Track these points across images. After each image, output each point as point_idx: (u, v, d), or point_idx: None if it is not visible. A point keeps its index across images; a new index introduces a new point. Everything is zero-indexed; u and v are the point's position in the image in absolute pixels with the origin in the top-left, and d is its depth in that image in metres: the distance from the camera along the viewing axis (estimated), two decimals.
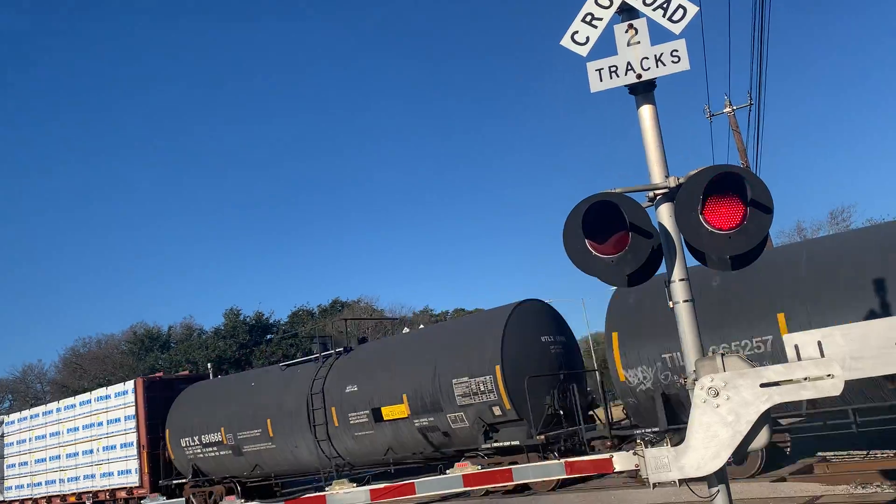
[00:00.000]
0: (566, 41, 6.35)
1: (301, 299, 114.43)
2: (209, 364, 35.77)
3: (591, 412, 17.80)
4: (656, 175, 6.11)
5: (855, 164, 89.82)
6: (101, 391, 26.92)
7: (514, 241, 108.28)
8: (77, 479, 26.99)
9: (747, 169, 5.47)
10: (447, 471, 6.77)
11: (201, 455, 23.29)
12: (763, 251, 6.11)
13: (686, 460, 5.42)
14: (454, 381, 17.12)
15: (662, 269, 6.21)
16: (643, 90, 6.21)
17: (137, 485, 24.33)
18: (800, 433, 14.34)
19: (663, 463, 5.48)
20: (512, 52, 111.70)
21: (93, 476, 26.23)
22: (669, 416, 13.90)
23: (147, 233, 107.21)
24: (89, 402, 26.90)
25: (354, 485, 6.78)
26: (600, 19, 6.29)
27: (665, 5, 6.04)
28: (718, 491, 5.71)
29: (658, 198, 6.11)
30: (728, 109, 31.05)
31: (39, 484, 29.00)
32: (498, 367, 16.37)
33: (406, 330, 28.25)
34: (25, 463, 30.05)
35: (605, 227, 5.81)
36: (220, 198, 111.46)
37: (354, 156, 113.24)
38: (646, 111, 6.22)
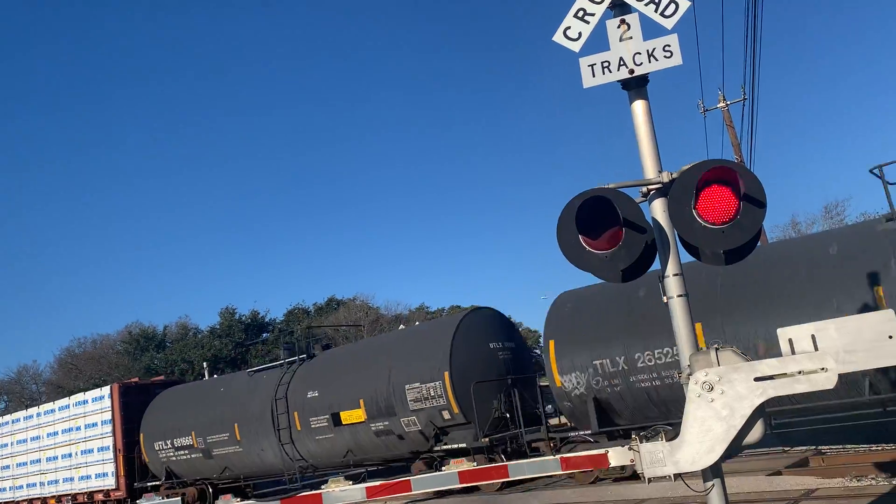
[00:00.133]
0: (558, 37, 6.36)
1: (297, 297, 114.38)
2: (205, 363, 35.77)
3: (549, 415, 18.38)
4: (650, 170, 6.11)
5: (850, 157, 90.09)
6: (79, 396, 27.67)
7: (512, 238, 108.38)
8: (56, 482, 27.80)
9: (740, 163, 5.48)
10: (443, 467, 6.77)
11: (174, 458, 24.13)
12: (756, 245, 6.13)
13: (681, 455, 5.44)
14: (407, 386, 18.05)
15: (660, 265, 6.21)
16: (636, 85, 6.21)
17: (114, 487, 25.24)
18: (796, 427, 14.42)
19: (658, 458, 5.49)
20: (510, 48, 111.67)
21: (72, 479, 27.04)
22: (601, 419, 14.83)
23: (141, 231, 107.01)
24: (68, 406, 27.66)
25: (350, 482, 6.79)
26: (592, 15, 6.29)
27: (657, 0, 6.05)
28: (713, 485, 5.73)
29: (651, 193, 6.12)
30: (722, 104, 31.07)
31: (21, 487, 29.76)
32: (446, 374, 17.32)
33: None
34: (7, 466, 30.79)
35: (599, 222, 5.82)
36: (214, 195, 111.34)
37: (350, 153, 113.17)
38: (639, 106, 6.22)
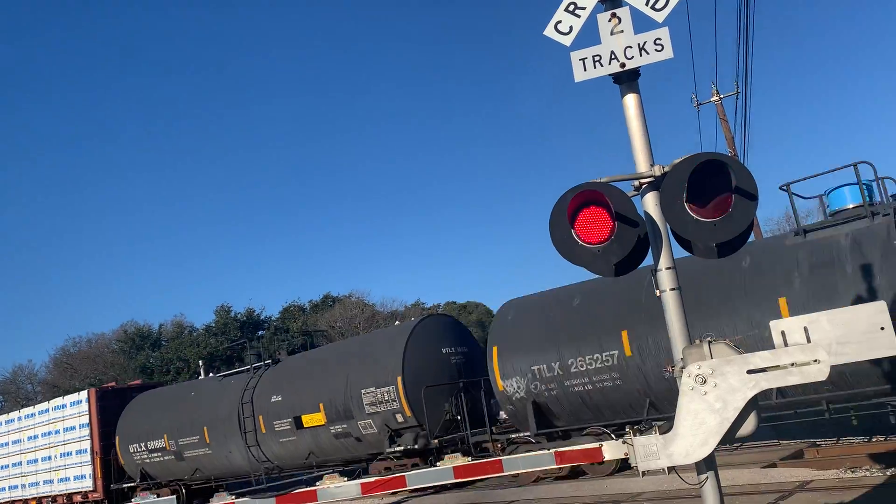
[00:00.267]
0: (549, 31, 6.34)
1: (292, 295, 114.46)
2: (200, 361, 35.73)
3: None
4: (641, 164, 6.11)
5: (844, 150, 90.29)
6: (58, 401, 28.39)
7: (510, 234, 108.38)
8: (37, 484, 28.54)
9: (731, 156, 5.49)
10: (437, 463, 6.78)
11: (148, 460, 24.99)
12: (749, 238, 6.14)
13: (674, 448, 5.45)
14: (363, 391, 18.93)
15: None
16: (627, 79, 6.20)
17: (91, 489, 26.02)
18: (791, 420, 14.47)
19: (652, 451, 5.50)
20: (509, 39, 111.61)
21: (51, 481, 27.84)
22: (541, 421, 15.79)
23: (136, 229, 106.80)
24: (47, 410, 28.48)
25: (345, 479, 6.79)
26: (583, 8, 6.27)
27: None
28: (707, 477, 5.74)
29: (644, 187, 6.11)
30: (715, 98, 31.13)
31: (3, 489, 30.42)
32: (399, 378, 18.19)
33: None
34: None
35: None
36: (209, 192, 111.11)
37: (346, 149, 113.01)
38: (630, 100, 6.21)
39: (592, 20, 6.26)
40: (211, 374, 27.38)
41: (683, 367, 5.52)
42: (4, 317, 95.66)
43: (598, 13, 6.24)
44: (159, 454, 24.38)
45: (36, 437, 28.59)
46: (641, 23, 6.15)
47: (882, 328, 5.34)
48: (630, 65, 6.08)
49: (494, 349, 16.50)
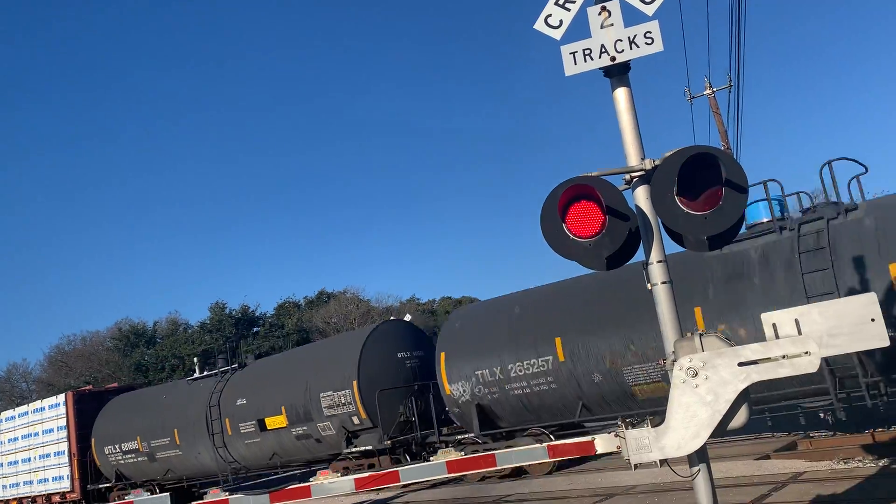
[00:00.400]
0: (540, 25, 6.33)
1: (287, 291, 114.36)
2: (195, 359, 35.68)
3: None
4: (632, 157, 6.11)
5: (837, 143, 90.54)
6: (37, 404, 29.25)
7: (504, 229, 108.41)
8: (17, 485, 29.34)
9: (721, 149, 5.49)
10: (431, 458, 6.78)
11: (122, 461, 25.84)
12: (740, 230, 6.15)
13: (666, 440, 5.46)
14: (321, 394, 19.75)
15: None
16: (617, 73, 6.20)
17: (69, 489, 26.84)
18: (784, 412, 14.54)
19: (644, 444, 5.52)
20: (506, 39, 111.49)
21: (31, 482, 28.68)
22: (486, 422, 16.68)
23: (131, 227, 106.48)
24: (27, 413, 29.31)
25: (339, 474, 6.79)
26: (573, 2, 6.27)
27: None
28: (699, 470, 5.76)
29: (635, 180, 6.12)
30: (708, 91, 31.13)
31: None
32: (355, 382, 18.93)
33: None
34: None
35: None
36: (203, 189, 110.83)
37: (340, 145, 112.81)
38: (621, 94, 6.21)
39: (582, 14, 6.26)
40: (205, 371, 27.57)
41: (675, 361, 5.53)
42: None
43: (587, 6, 6.25)
44: (133, 455, 25.27)
45: (16, 439, 29.41)
46: (631, 16, 6.15)
47: (872, 319, 5.37)
48: (620, 58, 6.08)
49: (442, 355, 17.42)
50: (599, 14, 6.16)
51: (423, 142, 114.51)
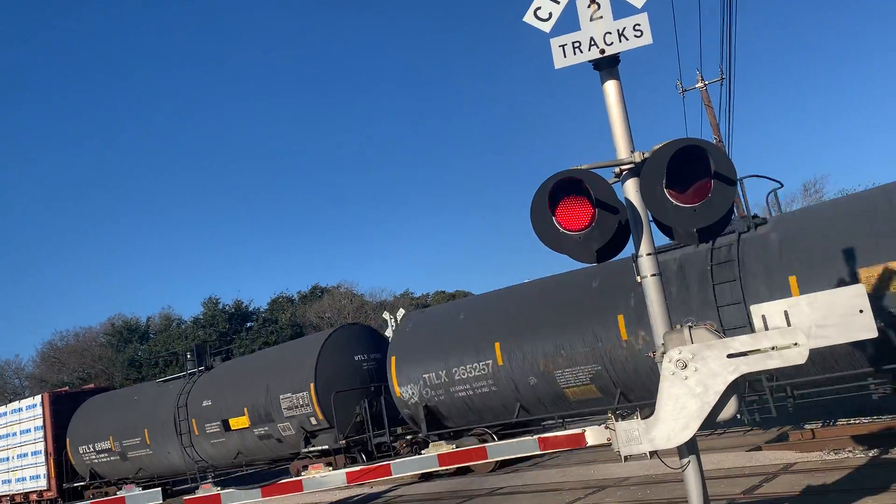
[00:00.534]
0: (529, 17, 6.32)
1: (280, 286, 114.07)
2: (188, 354, 35.62)
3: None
4: (622, 150, 6.12)
5: (828, 134, 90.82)
6: (15, 404, 29.90)
7: (498, 222, 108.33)
8: None
9: (709, 142, 5.49)
10: (422, 451, 6.79)
11: (96, 460, 26.50)
12: (729, 222, 6.16)
13: (656, 432, 5.48)
14: (281, 396, 20.40)
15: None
16: (607, 65, 6.20)
17: (46, 488, 27.64)
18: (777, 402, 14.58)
19: (634, 436, 5.54)
20: (500, 37, 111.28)
21: (9, 481, 29.34)
22: (434, 423, 17.31)
23: (124, 223, 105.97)
24: (5, 414, 29.94)
25: (330, 468, 6.79)
26: None
27: None
28: (689, 461, 5.79)
29: (624, 173, 6.12)
30: (700, 84, 31.18)
31: None
32: (312, 385, 19.61)
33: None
34: None
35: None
36: (196, 184, 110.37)
37: (336, 141, 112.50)
38: (610, 86, 6.22)
39: (572, 6, 6.25)
40: (196, 367, 27.92)
41: (664, 353, 5.55)
42: None
43: None
44: (106, 455, 25.96)
45: None
46: (621, 9, 6.14)
47: (861, 311, 5.40)
48: (610, 51, 6.08)
49: (392, 359, 18.16)
50: (589, 6, 6.16)
51: (416, 136, 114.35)
